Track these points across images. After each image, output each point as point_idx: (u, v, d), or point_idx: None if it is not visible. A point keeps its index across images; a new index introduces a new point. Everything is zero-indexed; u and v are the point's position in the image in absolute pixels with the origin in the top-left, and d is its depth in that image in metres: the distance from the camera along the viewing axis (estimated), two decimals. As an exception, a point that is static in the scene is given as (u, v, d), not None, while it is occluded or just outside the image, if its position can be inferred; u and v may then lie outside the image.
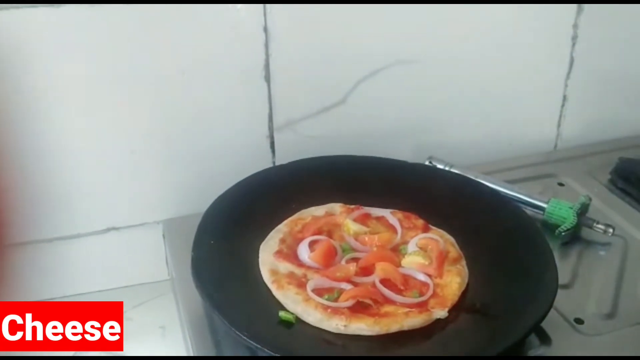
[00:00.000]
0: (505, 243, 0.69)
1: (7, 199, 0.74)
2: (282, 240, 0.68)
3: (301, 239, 0.69)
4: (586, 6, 0.87)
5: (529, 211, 0.77)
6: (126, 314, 0.78)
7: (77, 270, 0.79)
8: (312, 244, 0.68)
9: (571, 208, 0.76)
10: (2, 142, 0.72)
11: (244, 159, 0.80)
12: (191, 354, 0.64)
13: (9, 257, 0.76)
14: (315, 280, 0.64)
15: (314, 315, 0.60)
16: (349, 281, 0.64)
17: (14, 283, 0.78)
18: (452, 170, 0.81)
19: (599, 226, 0.75)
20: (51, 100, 0.72)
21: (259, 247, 0.68)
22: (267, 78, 0.78)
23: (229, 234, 0.69)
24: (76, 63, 0.71)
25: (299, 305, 0.61)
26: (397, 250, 0.68)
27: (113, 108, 0.74)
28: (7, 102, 0.70)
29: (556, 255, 0.67)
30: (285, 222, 0.71)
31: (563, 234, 0.75)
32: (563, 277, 0.68)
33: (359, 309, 0.61)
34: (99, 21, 0.69)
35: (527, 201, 0.78)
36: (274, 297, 0.63)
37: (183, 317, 0.68)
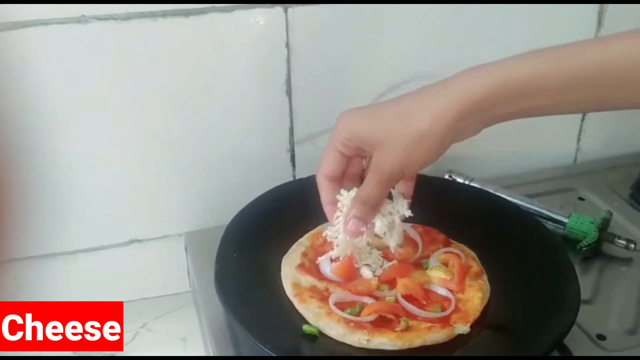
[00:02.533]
0: (526, 258, 0.68)
1: (32, 212, 0.75)
2: (304, 254, 0.69)
3: (323, 253, 0.69)
4: (606, 21, 0.87)
5: (549, 226, 0.77)
6: (147, 326, 0.79)
7: (100, 282, 0.80)
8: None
9: (592, 223, 0.76)
10: (26, 157, 0.73)
11: (265, 172, 0.81)
12: (213, 366, 0.65)
13: (30, 270, 0.78)
14: (337, 294, 0.64)
15: (336, 329, 0.60)
16: (370, 295, 0.64)
17: (37, 295, 0.79)
18: (472, 184, 0.82)
19: (621, 241, 0.75)
20: (76, 114, 0.73)
21: (281, 260, 0.69)
22: (289, 92, 0.79)
23: (251, 247, 0.69)
24: (102, 78, 0.72)
25: (321, 319, 0.61)
26: (418, 265, 0.69)
27: (137, 122, 0.75)
28: (31, 116, 0.71)
29: (577, 270, 0.67)
30: (306, 235, 0.72)
31: (584, 249, 0.75)
32: (584, 293, 0.68)
33: (382, 323, 0.61)
34: (122, 38, 0.71)
35: (547, 215, 0.78)
36: (297, 310, 0.63)
37: (205, 329, 0.69)
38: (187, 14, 0.72)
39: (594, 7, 0.86)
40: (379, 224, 0.62)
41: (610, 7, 0.86)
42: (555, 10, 0.85)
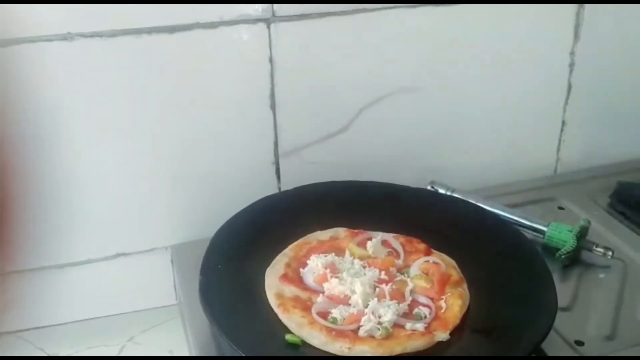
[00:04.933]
0: (505, 266, 0.70)
1: (18, 225, 0.76)
2: (288, 265, 0.70)
3: (306, 263, 0.70)
4: (582, 34, 0.89)
5: (529, 235, 0.78)
6: (134, 339, 0.80)
7: (87, 295, 0.81)
8: (317, 268, 0.69)
9: (571, 231, 0.77)
10: (15, 170, 0.74)
11: (250, 185, 0.82)
12: (199, 378, 0.66)
13: (19, 283, 0.78)
14: (320, 303, 0.65)
15: (318, 338, 0.61)
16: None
17: (25, 309, 0.79)
18: (454, 194, 0.83)
19: (599, 249, 0.76)
20: (61, 128, 0.74)
21: (265, 271, 0.70)
22: (273, 106, 0.81)
23: (235, 258, 0.70)
24: (89, 92, 0.73)
25: (304, 328, 0.62)
26: (400, 274, 0.69)
27: (123, 135, 0.76)
28: (19, 131, 0.72)
29: (556, 278, 0.68)
30: (290, 246, 0.73)
31: (563, 257, 0.76)
32: (563, 300, 0.69)
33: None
34: (112, 54, 0.72)
35: (527, 225, 0.80)
36: (280, 320, 0.64)
37: (191, 342, 0.69)
38: (171, 30, 0.73)
39: (570, 21, 0.88)
40: None
41: (586, 21, 0.88)
42: (532, 25, 0.87)
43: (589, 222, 0.79)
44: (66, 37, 0.70)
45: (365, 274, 0.67)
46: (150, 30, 0.73)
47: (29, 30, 0.68)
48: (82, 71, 0.72)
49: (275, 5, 0.76)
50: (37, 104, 0.72)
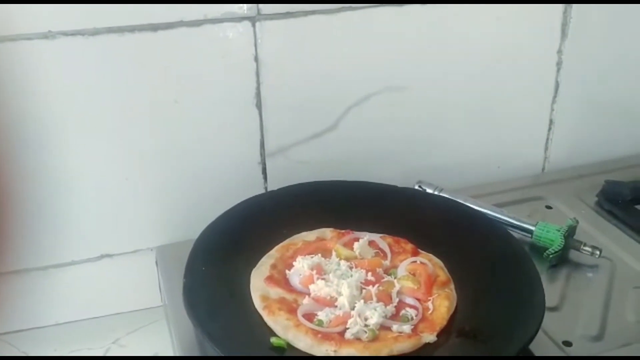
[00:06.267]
0: (493, 266, 0.69)
1: (1, 229, 0.75)
2: (273, 266, 0.69)
3: (292, 265, 0.69)
4: (570, 32, 0.89)
5: (517, 234, 0.78)
6: (119, 341, 0.79)
7: (71, 297, 0.80)
8: (303, 269, 0.68)
9: (559, 231, 0.77)
10: (-2, 170, 0.73)
11: (236, 185, 0.81)
12: (183, 380, 0.65)
13: (1, 286, 0.77)
14: (306, 305, 0.64)
15: (304, 341, 0.60)
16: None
17: (8, 311, 0.78)
18: (441, 194, 0.82)
19: (587, 248, 0.76)
20: (46, 128, 0.73)
21: (250, 273, 0.69)
22: (259, 105, 0.80)
23: (220, 260, 0.69)
24: (72, 92, 0.72)
25: (290, 331, 0.61)
26: (387, 274, 0.69)
27: (107, 136, 0.76)
28: (3, 130, 0.71)
29: (544, 277, 0.68)
30: (276, 247, 0.72)
31: (551, 256, 0.76)
32: (551, 300, 0.69)
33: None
34: (95, 52, 0.71)
35: (515, 224, 0.79)
36: (266, 323, 0.63)
37: (176, 344, 0.69)
38: (155, 28, 0.72)
39: (557, 19, 0.88)
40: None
41: (574, 20, 0.88)
42: (519, 24, 0.87)
43: (577, 221, 0.79)
44: (47, 35, 0.69)
45: (351, 276, 0.67)
46: (133, 29, 0.72)
47: (7, 28, 0.67)
48: (63, 70, 0.71)
49: (261, 4, 0.75)
50: (17, 104, 0.71)
